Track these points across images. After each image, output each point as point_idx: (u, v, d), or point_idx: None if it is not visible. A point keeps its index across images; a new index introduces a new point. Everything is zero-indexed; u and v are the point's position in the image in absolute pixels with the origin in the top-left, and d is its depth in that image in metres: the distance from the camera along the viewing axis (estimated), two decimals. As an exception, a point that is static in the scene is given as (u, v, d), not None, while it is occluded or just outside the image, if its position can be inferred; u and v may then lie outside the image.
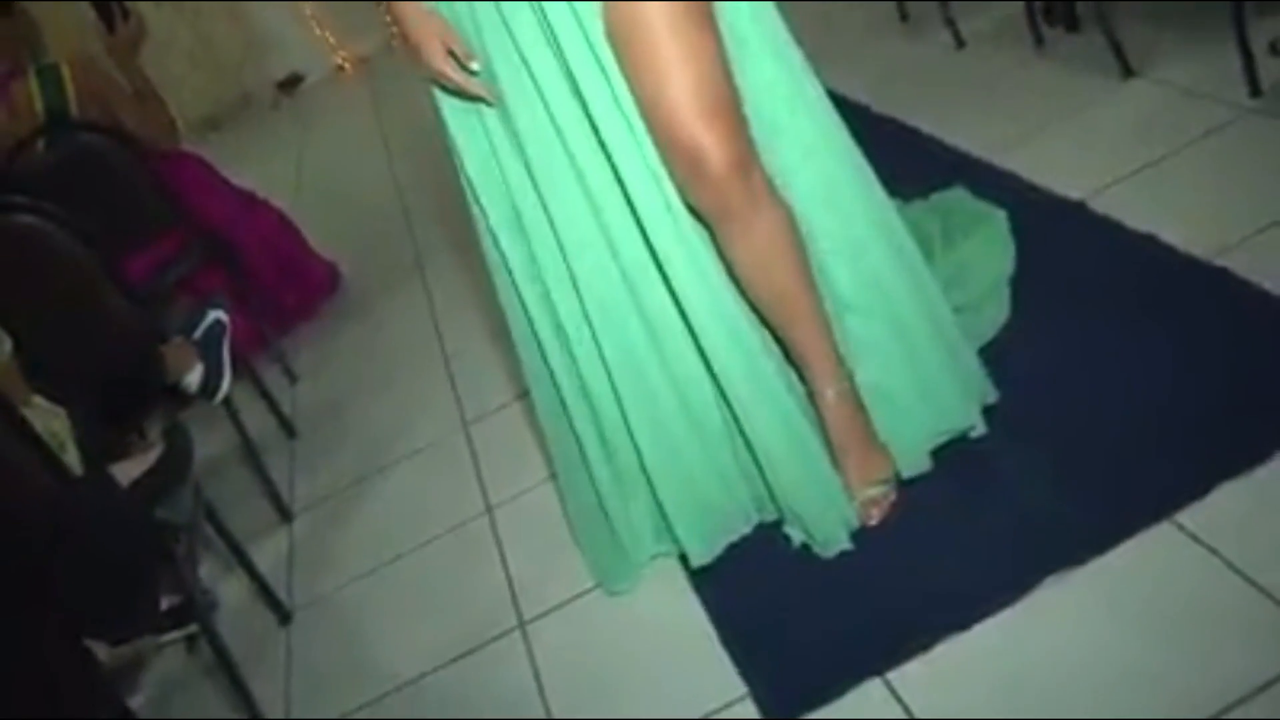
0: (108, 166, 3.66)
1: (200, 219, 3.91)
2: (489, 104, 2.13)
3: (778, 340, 2.24)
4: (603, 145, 2.08)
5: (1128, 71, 3.33)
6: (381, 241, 4.82)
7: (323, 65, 8.23)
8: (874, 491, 2.28)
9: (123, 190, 3.69)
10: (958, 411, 2.29)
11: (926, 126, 3.54)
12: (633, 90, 2.04)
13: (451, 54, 2.07)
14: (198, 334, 3.10)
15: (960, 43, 4.03)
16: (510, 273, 2.29)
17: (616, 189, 2.12)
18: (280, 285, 4.29)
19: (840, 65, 3.99)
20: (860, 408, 2.28)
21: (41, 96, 3.78)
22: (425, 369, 3.70)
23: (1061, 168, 3.04)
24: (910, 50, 4.21)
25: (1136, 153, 2.99)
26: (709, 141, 2.01)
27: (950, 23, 4.06)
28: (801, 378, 2.27)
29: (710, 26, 2.03)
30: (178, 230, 3.79)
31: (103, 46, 3.90)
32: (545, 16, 2.01)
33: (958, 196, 2.98)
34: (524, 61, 2.05)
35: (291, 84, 8.23)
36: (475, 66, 2.07)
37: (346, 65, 8.16)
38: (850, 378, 2.26)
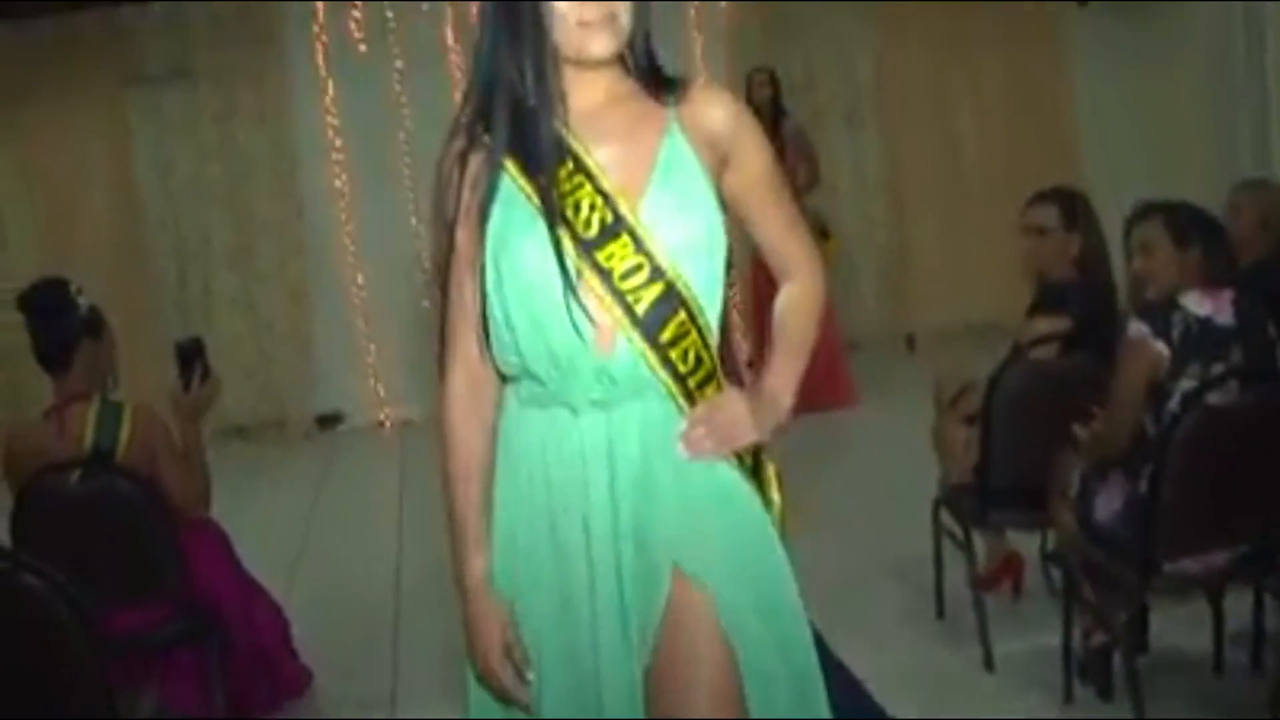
0: (131, 517, 3.67)
1: (198, 592, 3.84)
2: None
3: None
4: None
5: (1147, 772, 3.27)
6: (364, 656, 4.65)
7: (365, 414, 8.34)
8: None
9: (136, 544, 3.69)
10: None
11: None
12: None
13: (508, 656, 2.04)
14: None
15: (989, 663, 3.96)
16: None
17: None
18: (250, 676, 4.16)
19: (862, 649, 3.95)
20: None
21: (95, 430, 3.77)
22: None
23: None
24: (936, 656, 4.11)
25: None
26: None
27: (984, 637, 4.00)
28: None
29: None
30: (172, 598, 3.74)
31: (171, 400, 3.92)
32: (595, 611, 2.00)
33: None
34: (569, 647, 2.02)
35: (331, 422, 8.32)
36: (531, 677, 2.03)
37: (387, 423, 8.25)
38: None
